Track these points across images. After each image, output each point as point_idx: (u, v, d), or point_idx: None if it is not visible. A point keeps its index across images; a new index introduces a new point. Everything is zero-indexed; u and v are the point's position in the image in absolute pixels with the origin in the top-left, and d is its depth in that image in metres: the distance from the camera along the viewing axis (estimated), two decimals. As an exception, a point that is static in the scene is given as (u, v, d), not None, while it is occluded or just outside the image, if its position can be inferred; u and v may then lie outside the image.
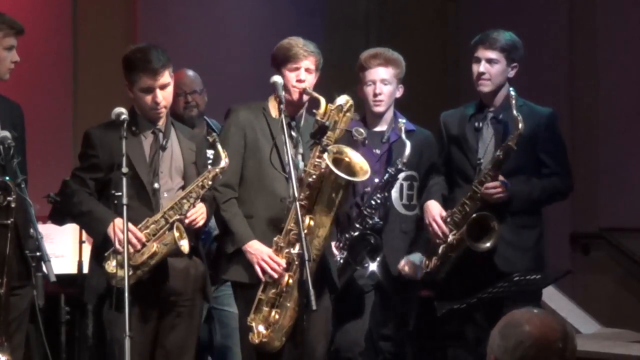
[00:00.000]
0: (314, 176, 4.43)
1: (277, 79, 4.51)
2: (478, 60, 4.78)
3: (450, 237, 4.73)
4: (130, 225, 4.19)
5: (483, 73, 4.76)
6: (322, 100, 4.51)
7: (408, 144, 4.86)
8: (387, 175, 4.90)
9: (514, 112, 4.61)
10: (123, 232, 4.08)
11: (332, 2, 8.05)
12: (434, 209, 4.81)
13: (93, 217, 4.32)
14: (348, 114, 4.56)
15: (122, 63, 4.43)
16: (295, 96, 4.55)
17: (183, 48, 5.77)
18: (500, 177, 4.65)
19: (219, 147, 4.40)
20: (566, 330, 2.60)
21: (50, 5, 6.83)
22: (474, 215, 4.67)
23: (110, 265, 4.20)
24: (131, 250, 4.19)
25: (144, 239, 4.27)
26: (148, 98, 4.36)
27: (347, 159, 4.51)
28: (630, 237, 7.38)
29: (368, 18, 8.24)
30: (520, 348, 2.56)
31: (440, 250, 4.77)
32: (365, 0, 8.27)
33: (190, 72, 5.51)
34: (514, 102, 4.62)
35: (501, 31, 4.82)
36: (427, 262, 4.83)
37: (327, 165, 4.38)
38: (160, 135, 4.43)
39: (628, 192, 7.34)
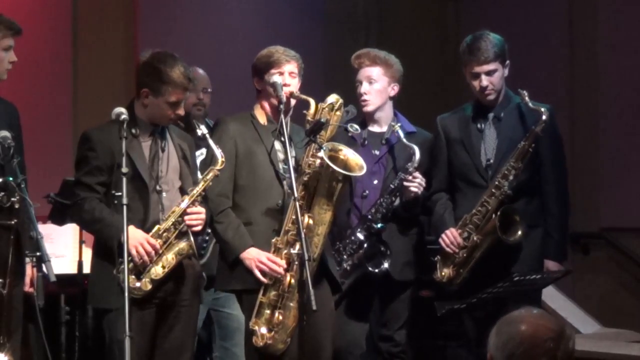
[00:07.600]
0: (309, 174, 4.43)
1: (277, 79, 4.48)
2: (477, 76, 4.72)
3: (475, 237, 4.67)
4: (148, 237, 4.25)
5: (487, 86, 4.72)
6: (312, 102, 4.50)
7: (416, 148, 4.81)
8: (397, 181, 4.86)
9: (530, 105, 4.64)
10: (142, 245, 4.20)
11: (331, 2, 8.05)
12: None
13: (105, 224, 4.26)
14: (338, 112, 4.54)
15: (148, 71, 4.35)
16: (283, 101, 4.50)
17: (183, 49, 5.69)
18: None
19: (212, 143, 4.38)
20: (562, 331, 2.57)
21: (50, 6, 6.84)
22: (502, 208, 4.62)
23: (130, 279, 4.13)
24: (147, 260, 4.24)
25: (160, 250, 4.28)
26: (170, 111, 4.35)
27: (342, 157, 4.49)
28: (630, 237, 7.38)
29: (368, 18, 8.24)
30: (509, 345, 2.55)
31: (459, 256, 4.71)
32: (365, 0, 8.27)
33: (201, 71, 5.49)
34: (527, 98, 4.64)
35: (485, 37, 4.73)
36: (447, 271, 4.78)
37: (323, 162, 4.37)
38: (159, 137, 4.42)
39: (628, 192, 7.34)
